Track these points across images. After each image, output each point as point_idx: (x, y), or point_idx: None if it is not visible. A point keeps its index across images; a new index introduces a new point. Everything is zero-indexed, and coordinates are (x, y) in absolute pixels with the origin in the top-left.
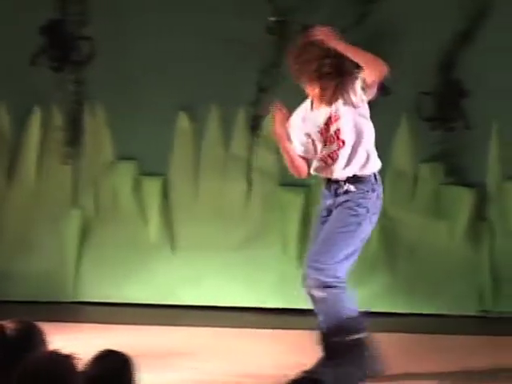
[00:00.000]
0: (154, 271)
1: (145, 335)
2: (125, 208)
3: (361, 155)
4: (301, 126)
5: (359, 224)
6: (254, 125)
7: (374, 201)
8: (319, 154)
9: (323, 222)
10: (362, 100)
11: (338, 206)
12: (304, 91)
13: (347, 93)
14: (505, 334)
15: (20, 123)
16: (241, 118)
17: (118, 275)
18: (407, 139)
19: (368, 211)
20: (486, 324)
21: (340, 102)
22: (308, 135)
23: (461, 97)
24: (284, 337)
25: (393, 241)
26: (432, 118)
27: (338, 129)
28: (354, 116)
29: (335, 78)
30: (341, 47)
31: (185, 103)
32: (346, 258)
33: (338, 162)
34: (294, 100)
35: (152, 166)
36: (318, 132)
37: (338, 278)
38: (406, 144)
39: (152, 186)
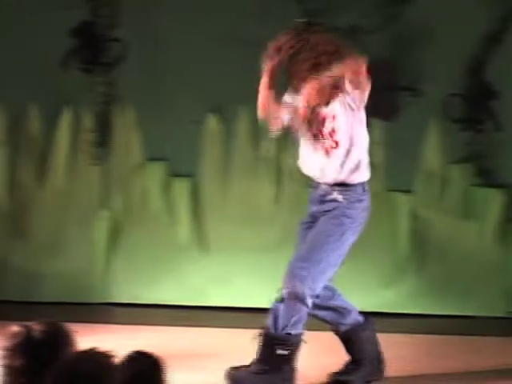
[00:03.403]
0: (184, 272)
1: (174, 336)
2: (154, 209)
3: (353, 160)
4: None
5: (343, 234)
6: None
7: (360, 211)
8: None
9: (306, 228)
10: (360, 104)
11: (324, 214)
12: None
13: (344, 94)
14: None
15: (50, 124)
16: None
17: (148, 276)
18: (437, 141)
19: (353, 222)
20: None
21: (337, 102)
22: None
23: (490, 98)
24: (313, 338)
25: (422, 242)
26: (461, 119)
27: (332, 129)
28: (349, 119)
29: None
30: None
31: (214, 105)
32: (327, 268)
33: (331, 163)
34: None
35: (181, 167)
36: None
37: (313, 290)
38: (435, 145)
39: (181, 187)
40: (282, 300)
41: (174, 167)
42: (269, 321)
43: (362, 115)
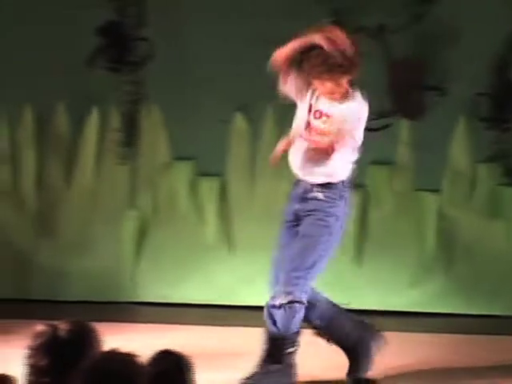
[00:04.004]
0: (212, 271)
1: (202, 336)
2: (182, 208)
3: (344, 163)
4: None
5: (330, 234)
6: None
7: (343, 207)
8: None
9: (290, 227)
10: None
11: (307, 214)
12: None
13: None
14: None
15: (77, 124)
16: None
17: (176, 275)
18: (464, 140)
19: (337, 219)
20: None
21: (338, 106)
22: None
23: None
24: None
25: (450, 241)
26: (488, 118)
27: (324, 128)
28: (348, 124)
29: (345, 72)
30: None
31: (241, 104)
32: (319, 269)
33: (323, 163)
34: None
35: (209, 166)
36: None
37: (307, 291)
38: (463, 145)
39: (209, 187)
40: (279, 307)
41: (202, 166)
42: (268, 322)
43: (362, 120)
